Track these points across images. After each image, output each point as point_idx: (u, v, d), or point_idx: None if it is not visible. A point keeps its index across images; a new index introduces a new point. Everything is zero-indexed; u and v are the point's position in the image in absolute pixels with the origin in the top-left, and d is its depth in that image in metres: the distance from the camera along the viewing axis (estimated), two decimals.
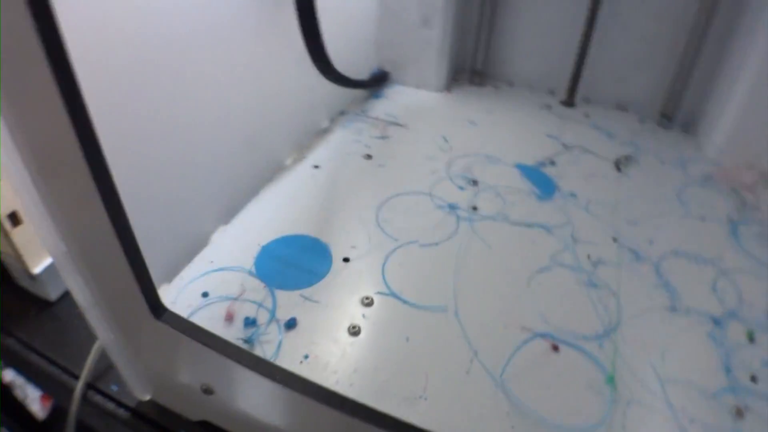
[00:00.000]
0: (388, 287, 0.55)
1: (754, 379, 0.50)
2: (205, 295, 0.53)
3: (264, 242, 0.59)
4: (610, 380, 0.48)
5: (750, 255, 0.63)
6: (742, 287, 0.58)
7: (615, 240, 0.62)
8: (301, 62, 0.64)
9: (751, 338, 0.54)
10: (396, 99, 0.90)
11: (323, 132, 0.79)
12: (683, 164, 0.79)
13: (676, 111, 0.89)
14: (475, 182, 0.70)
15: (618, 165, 0.75)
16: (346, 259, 0.58)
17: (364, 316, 0.52)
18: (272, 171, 0.70)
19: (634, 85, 0.90)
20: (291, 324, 0.51)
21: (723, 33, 0.79)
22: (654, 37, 0.84)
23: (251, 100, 0.61)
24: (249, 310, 0.51)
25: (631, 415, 0.46)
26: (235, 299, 0.52)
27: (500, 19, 0.91)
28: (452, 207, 0.65)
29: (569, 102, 0.92)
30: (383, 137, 0.78)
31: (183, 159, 0.54)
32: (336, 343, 0.49)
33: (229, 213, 0.63)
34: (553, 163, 0.75)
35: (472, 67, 0.96)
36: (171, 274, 0.55)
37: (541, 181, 0.70)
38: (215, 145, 0.58)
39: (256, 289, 0.54)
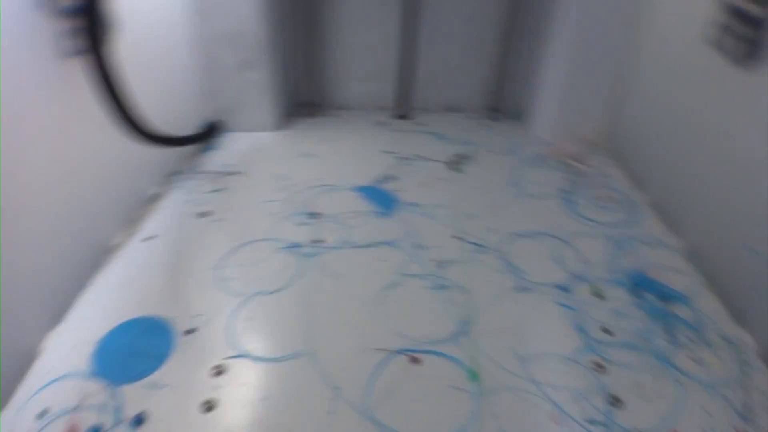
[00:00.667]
0: (237, 349, 0.51)
1: (606, 331, 0.53)
2: (42, 415, 0.45)
3: (99, 337, 0.53)
4: (473, 376, 0.48)
5: (584, 218, 0.68)
6: (582, 250, 0.62)
7: (458, 238, 0.64)
8: (110, 130, 0.59)
9: (598, 294, 0.57)
10: (230, 147, 0.87)
11: (153, 199, 0.73)
12: (515, 150, 0.84)
13: (503, 104, 0.96)
14: (316, 215, 0.68)
15: (452, 165, 0.78)
16: (189, 332, 0.53)
17: (217, 387, 0.47)
18: (99, 255, 0.63)
19: (463, 88, 0.96)
20: (139, 420, 0.45)
21: (532, 26, 0.86)
22: (473, 40, 0.90)
23: (54, 181, 0.55)
24: (92, 418, 0.45)
25: (500, 402, 0.46)
26: (75, 410, 0.45)
27: (321, 49, 0.92)
28: (295, 246, 0.63)
29: (403, 114, 0.95)
30: (219, 190, 0.75)
31: None
32: (191, 426, 0.44)
33: (57, 314, 0.55)
34: (392, 178, 0.76)
35: (303, 100, 0.96)
36: (5, 399, 0.47)
37: (380, 198, 0.71)
38: (23, 244, 0.50)
39: (98, 391, 0.47)
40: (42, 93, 0.53)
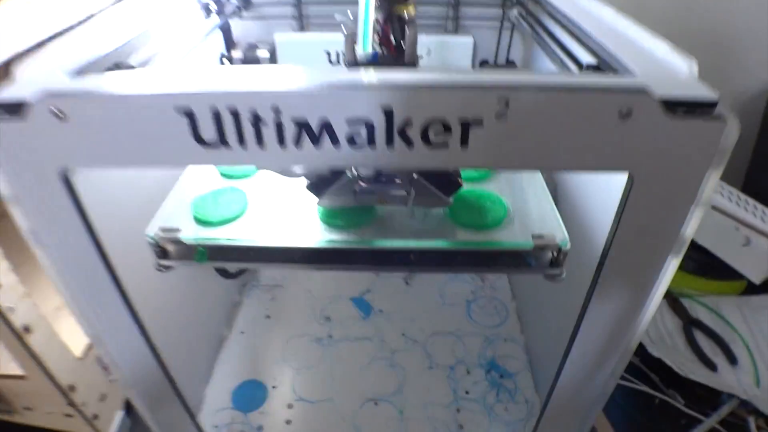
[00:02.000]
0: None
1: (467, 392, 1.07)
2: None
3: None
4: (400, 412, 1.03)
5: (473, 322, 1.21)
6: (466, 344, 1.16)
7: (403, 335, 1.18)
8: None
9: (468, 371, 1.11)
10: None
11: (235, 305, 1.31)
12: None
13: None
14: (328, 318, 1.24)
15: (406, 280, 1.33)
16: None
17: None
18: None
19: None
20: None
21: None
22: None
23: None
24: None
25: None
26: None
27: None
28: (319, 339, 1.19)
29: None
30: (273, 299, 1.31)
31: None
32: None
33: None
34: (368, 291, 1.31)
35: None
36: None
37: (362, 305, 1.26)
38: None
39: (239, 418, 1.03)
40: None
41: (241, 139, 0.45)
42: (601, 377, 0.71)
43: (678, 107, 0.44)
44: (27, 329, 0.88)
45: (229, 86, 0.43)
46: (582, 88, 0.44)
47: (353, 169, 0.63)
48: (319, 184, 0.65)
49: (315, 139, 0.45)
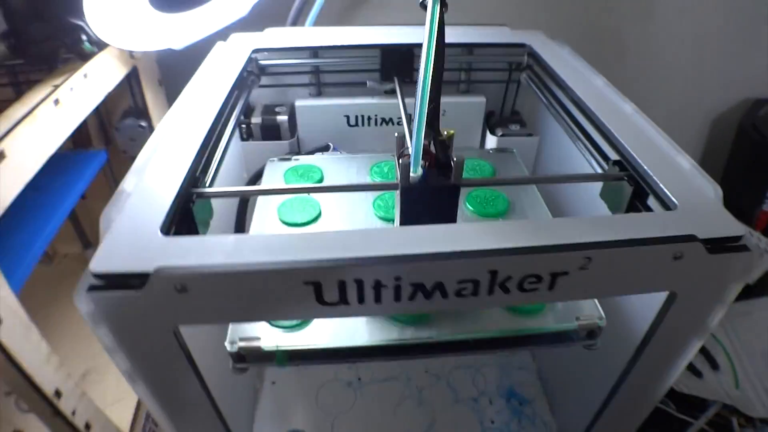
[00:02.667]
0: None
1: (492, 422, 1.18)
2: None
3: None
4: None
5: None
6: (485, 375, 1.27)
7: (426, 371, 1.28)
8: None
9: (490, 402, 1.22)
10: None
11: None
12: None
13: None
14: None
15: None
16: None
17: None
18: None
19: None
20: None
21: None
22: None
23: None
24: None
25: None
26: None
27: None
28: (349, 382, 1.27)
29: None
30: None
31: None
32: None
33: None
34: None
35: None
36: None
37: None
38: None
39: None
40: None
41: (361, 299, 0.52)
42: (630, 425, 0.83)
43: (716, 244, 0.54)
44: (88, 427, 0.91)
45: (353, 255, 0.49)
46: (648, 239, 0.53)
47: None
48: None
49: (427, 295, 0.52)
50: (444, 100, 1.25)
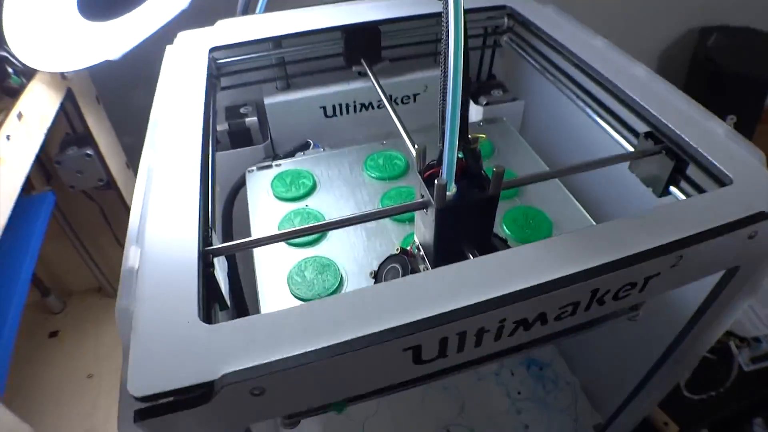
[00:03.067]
0: None
1: (519, 392, 1.18)
2: None
3: None
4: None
5: None
6: None
7: None
8: None
9: (512, 373, 1.21)
10: None
11: None
12: None
13: None
14: None
15: None
16: None
17: None
18: None
19: None
20: None
21: None
22: None
23: None
24: None
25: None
26: None
27: None
28: None
29: None
30: None
31: None
32: None
33: None
34: None
35: None
36: None
37: None
38: None
39: None
40: None
41: (460, 348, 0.46)
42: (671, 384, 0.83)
43: None
44: None
45: (454, 306, 0.43)
46: (729, 225, 0.50)
47: None
48: None
49: (527, 327, 0.47)
50: (424, 74, 1.21)
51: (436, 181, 0.49)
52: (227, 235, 0.92)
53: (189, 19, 0.98)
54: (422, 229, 0.60)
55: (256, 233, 0.81)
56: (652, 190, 0.71)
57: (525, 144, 0.96)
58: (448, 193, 0.51)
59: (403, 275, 0.64)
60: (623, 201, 0.87)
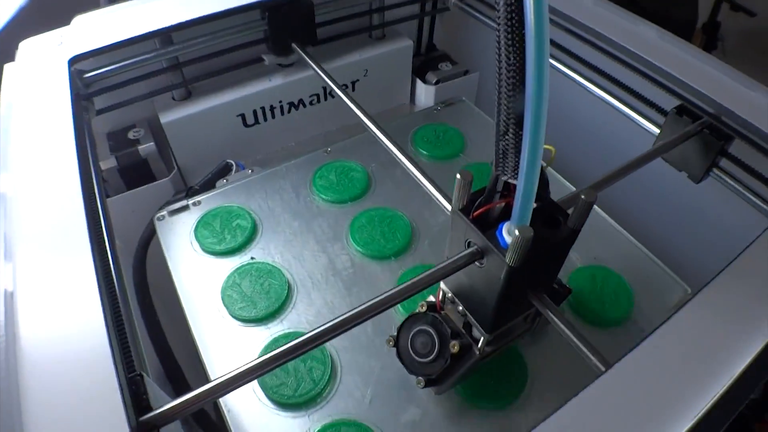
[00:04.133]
0: None
1: None
2: None
3: None
4: None
5: None
6: None
7: None
8: None
9: None
10: None
11: None
12: None
13: None
14: None
15: None
16: None
17: None
18: None
19: None
20: None
21: None
22: None
23: None
24: None
25: None
26: None
27: None
28: None
29: None
30: None
31: None
32: None
33: None
34: None
35: None
36: None
37: None
38: None
39: None
40: None
41: None
42: None
43: None
44: None
45: None
46: None
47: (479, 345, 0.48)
48: (437, 378, 0.49)
49: None
50: (362, 56, 0.94)
51: (514, 230, 0.32)
52: (147, 312, 0.68)
53: (33, 21, 0.69)
54: (467, 284, 0.42)
55: (191, 313, 0.58)
56: (688, 175, 0.58)
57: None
58: (514, 236, 0.34)
59: (440, 342, 0.46)
60: (645, 190, 0.74)
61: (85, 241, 0.43)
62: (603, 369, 0.36)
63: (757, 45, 2.32)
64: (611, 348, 0.41)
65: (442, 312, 0.48)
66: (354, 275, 0.61)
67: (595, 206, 0.67)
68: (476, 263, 0.39)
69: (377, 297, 0.38)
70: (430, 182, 0.55)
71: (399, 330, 0.49)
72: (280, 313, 0.57)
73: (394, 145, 0.58)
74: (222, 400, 0.51)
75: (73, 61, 0.62)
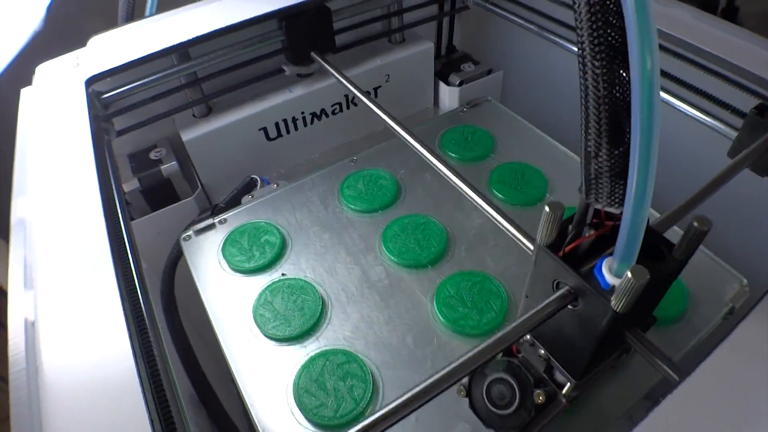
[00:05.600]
0: None
1: None
2: None
3: None
4: None
5: None
6: None
7: None
8: None
9: None
10: None
11: None
12: None
13: None
14: None
15: None
16: None
17: None
18: None
19: None
20: None
21: None
22: None
23: None
24: None
25: None
26: None
27: None
28: None
29: None
30: None
31: None
32: None
33: None
34: None
35: None
36: None
37: None
38: None
39: None
40: None
41: None
42: None
43: None
44: None
45: None
46: None
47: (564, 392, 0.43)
48: None
49: None
50: (383, 61, 0.82)
51: (626, 273, 0.27)
52: (179, 337, 0.66)
53: (48, 45, 0.69)
54: (553, 327, 0.38)
55: (223, 335, 0.55)
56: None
57: (528, 126, 0.77)
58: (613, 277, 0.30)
59: (521, 391, 0.41)
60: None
61: (109, 267, 0.41)
62: (677, 378, 0.32)
63: None
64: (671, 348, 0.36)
65: (520, 355, 0.43)
66: (390, 286, 0.58)
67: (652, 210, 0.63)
68: (569, 306, 0.34)
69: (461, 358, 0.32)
70: (464, 183, 0.52)
71: (471, 378, 0.43)
72: (316, 330, 0.54)
73: (423, 148, 0.55)
74: (260, 426, 0.48)
75: (89, 83, 0.61)
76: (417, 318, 0.55)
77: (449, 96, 0.87)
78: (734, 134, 0.53)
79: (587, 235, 0.31)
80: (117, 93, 0.65)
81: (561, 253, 0.32)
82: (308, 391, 0.49)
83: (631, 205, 0.26)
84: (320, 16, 0.69)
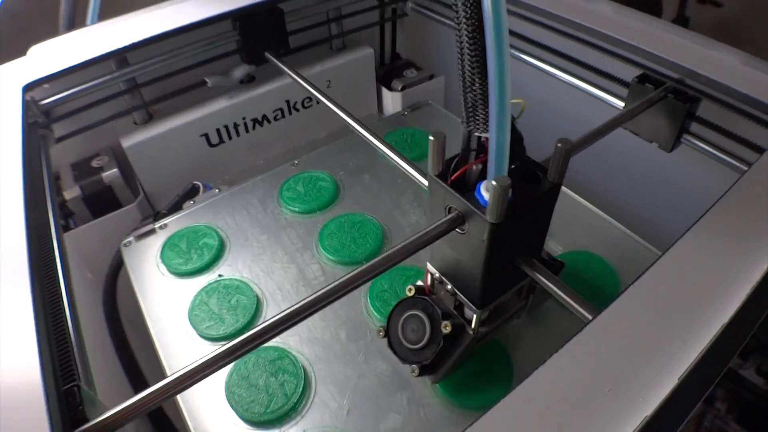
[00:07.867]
0: None
1: None
2: None
3: None
4: None
5: None
6: None
7: None
8: None
9: None
10: None
11: None
12: None
13: None
14: None
15: None
16: None
17: None
18: None
19: None
20: None
21: None
22: None
23: None
24: None
25: None
26: None
27: None
28: None
29: None
30: None
31: None
32: None
33: None
34: None
35: None
36: None
37: None
38: None
39: None
40: None
41: None
42: None
43: None
44: None
45: None
46: None
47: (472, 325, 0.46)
48: (432, 364, 0.47)
49: None
50: (323, 67, 0.87)
51: (492, 182, 0.31)
52: (121, 347, 0.66)
53: None
54: (452, 257, 0.41)
55: (159, 338, 0.56)
56: (659, 145, 0.57)
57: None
58: (488, 193, 0.34)
59: (431, 325, 0.44)
60: (619, 169, 0.73)
61: (24, 279, 0.41)
62: (590, 317, 0.35)
63: (729, 36, 2.35)
64: None
65: (432, 295, 0.46)
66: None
67: (571, 192, 0.66)
68: (458, 230, 0.37)
69: (354, 270, 0.36)
70: (407, 163, 0.54)
71: (389, 319, 0.47)
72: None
73: (369, 133, 0.57)
74: (191, 422, 0.49)
75: (27, 89, 0.62)
76: (351, 313, 0.57)
77: (392, 101, 0.90)
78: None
79: (471, 162, 0.35)
80: (56, 99, 0.66)
81: (449, 182, 0.36)
82: (240, 388, 0.50)
83: (494, 124, 0.31)
84: (273, 17, 0.71)
